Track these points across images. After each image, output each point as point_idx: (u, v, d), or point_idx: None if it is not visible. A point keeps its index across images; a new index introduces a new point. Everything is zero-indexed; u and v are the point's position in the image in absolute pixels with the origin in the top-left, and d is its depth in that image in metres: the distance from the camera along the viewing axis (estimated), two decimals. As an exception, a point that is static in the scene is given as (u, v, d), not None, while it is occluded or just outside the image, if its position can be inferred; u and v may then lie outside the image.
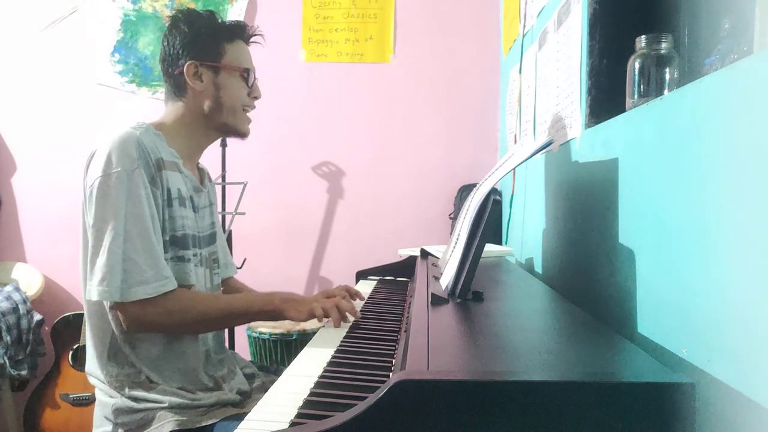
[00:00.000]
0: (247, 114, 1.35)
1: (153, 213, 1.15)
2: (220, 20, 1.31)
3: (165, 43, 1.29)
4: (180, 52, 1.26)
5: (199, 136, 1.32)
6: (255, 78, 1.34)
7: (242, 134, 1.36)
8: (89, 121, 2.69)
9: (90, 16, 2.70)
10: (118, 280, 1.09)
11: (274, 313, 1.22)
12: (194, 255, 1.26)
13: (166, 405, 1.14)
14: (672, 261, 0.82)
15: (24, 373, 2.34)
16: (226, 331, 2.04)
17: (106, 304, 1.16)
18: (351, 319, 1.21)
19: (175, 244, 1.21)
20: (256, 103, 1.37)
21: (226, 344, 1.44)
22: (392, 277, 1.88)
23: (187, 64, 1.25)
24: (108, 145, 1.14)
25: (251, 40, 1.37)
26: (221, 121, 1.30)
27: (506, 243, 2.21)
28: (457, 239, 1.08)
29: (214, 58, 1.28)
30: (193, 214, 1.28)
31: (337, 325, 1.18)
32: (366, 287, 1.69)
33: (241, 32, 1.33)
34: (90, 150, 1.18)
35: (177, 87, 1.29)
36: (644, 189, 0.93)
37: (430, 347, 0.72)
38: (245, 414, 0.78)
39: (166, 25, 1.30)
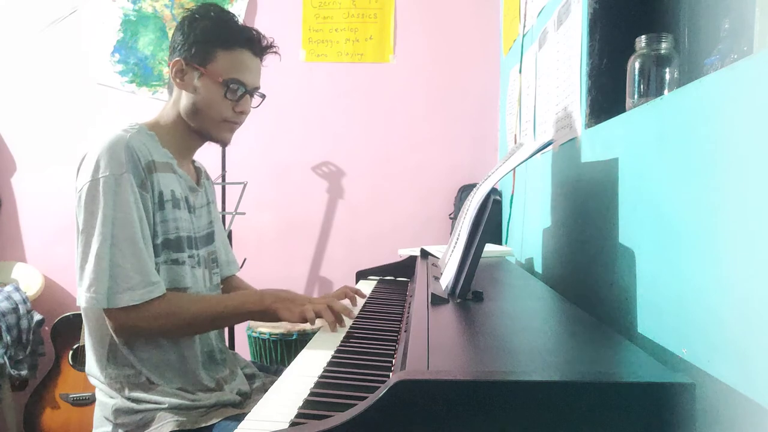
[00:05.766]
0: (230, 124, 1.28)
1: (141, 218, 1.13)
2: (229, 23, 1.25)
3: (172, 35, 1.28)
4: (175, 47, 1.26)
5: (186, 137, 1.29)
6: (247, 91, 1.26)
7: (219, 143, 1.32)
8: (89, 121, 2.69)
9: (90, 16, 2.70)
10: (105, 287, 1.08)
11: (267, 312, 1.20)
12: (190, 257, 1.24)
13: (165, 406, 1.14)
14: (672, 261, 0.82)
15: (24, 373, 2.34)
16: (226, 331, 2.04)
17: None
18: (346, 320, 1.20)
19: (168, 247, 1.20)
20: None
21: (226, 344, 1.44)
22: (392, 277, 1.88)
23: (174, 60, 1.24)
24: (97, 149, 1.13)
25: (268, 52, 1.30)
26: (196, 125, 1.26)
27: (506, 243, 2.21)
28: (457, 239, 1.08)
29: (200, 61, 1.23)
30: (189, 215, 1.27)
31: (333, 329, 1.16)
32: (366, 287, 1.69)
33: (245, 42, 1.25)
34: (81, 153, 1.16)
35: (171, 82, 1.28)
36: (644, 189, 0.93)
37: (430, 347, 0.72)
38: (245, 414, 0.78)
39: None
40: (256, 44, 1.27)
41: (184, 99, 1.25)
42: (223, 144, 1.33)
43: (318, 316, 1.18)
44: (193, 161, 1.38)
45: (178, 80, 1.25)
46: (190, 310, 1.17)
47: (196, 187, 1.32)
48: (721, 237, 0.69)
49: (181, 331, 1.19)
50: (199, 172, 1.39)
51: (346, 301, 1.35)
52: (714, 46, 0.99)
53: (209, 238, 1.37)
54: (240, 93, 1.25)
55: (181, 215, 1.23)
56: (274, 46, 1.31)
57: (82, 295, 1.10)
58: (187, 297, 1.21)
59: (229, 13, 1.28)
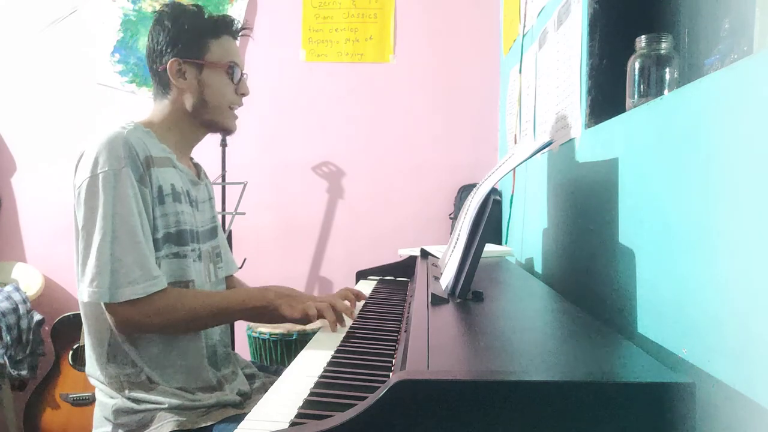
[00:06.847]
0: (234, 111, 1.33)
1: (141, 212, 1.13)
2: (205, 15, 1.29)
3: (150, 39, 1.28)
4: (164, 48, 1.25)
5: (188, 133, 1.31)
6: (242, 74, 1.32)
7: (228, 131, 1.35)
8: (89, 121, 2.69)
9: (90, 16, 2.70)
10: (107, 281, 1.09)
11: (269, 308, 1.20)
12: (192, 250, 1.25)
13: (165, 406, 1.14)
14: (672, 261, 0.82)
15: (24, 373, 2.34)
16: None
17: (102, 305, 1.16)
18: (348, 321, 1.20)
19: (171, 240, 1.20)
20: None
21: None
22: (392, 277, 1.88)
23: (170, 61, 1.24)
24: (95, 145, 1.13)
25: (239, 34, 1.35)
26: (206, 118, 1.29)
27: (506, 243, 2.21)
28: (457, 239, 1.08)
29: (197, 54, 1.26)
30: (191, 209, 1.27)
31: (333, 329, 1.17)
32: (366, 287, 1.69)
33: (227, 27, 1.31)
34: (79, 150, 1.17)
35: (162, 84, 1.28)
36: (644, 189, 0.93)
37: (430, 347, 0.72)
38: (245, 415, 0.78)
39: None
40: (234, 29, 1.33)
41: (189, 97, 1.27)
42: (230, 132, 1.36)
43: (319, 314, 1.18)
44: (191, 158, 1.39)
45: (180, 80, 1.25)
46: (191, 304, 1.17)
47: (197, 181, 1.33)
48: (721, 237, 0.69)
49: (182, 326, 1.18)
50: (198, 168, 1.40)
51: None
52: (714, 46, 0.99)
53: (213, 232, 1.38)
54: (239, 75, 1.31)
55: (182, 209, 1.23)
56: (248, 27, 1.37)
57: (84, 291, 1.11)
58: (189, 292, 1.21)
59: (196, 4, 1.31)
